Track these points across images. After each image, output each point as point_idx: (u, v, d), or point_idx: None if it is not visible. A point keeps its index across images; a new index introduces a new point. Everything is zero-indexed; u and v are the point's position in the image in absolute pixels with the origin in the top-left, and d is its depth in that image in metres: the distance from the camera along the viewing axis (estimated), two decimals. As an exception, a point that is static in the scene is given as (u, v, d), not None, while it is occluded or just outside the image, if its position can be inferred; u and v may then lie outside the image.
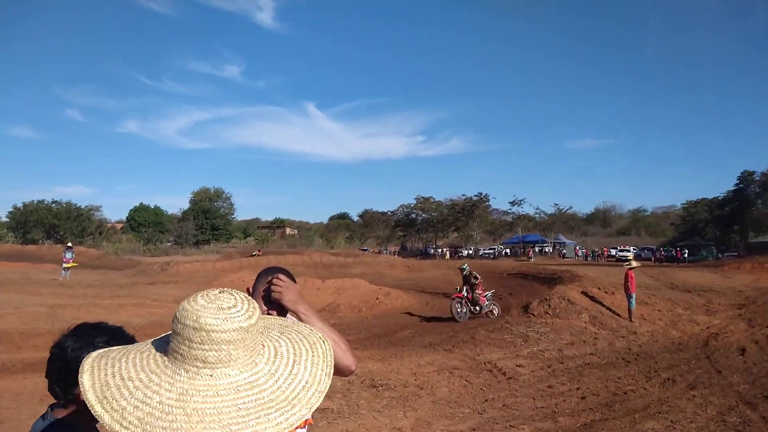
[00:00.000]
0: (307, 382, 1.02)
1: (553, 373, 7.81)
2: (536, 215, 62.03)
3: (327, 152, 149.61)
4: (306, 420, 2.28)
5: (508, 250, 52.94)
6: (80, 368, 0.98)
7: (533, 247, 52.21)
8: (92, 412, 0.90)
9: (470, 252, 55.53)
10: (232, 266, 29.47)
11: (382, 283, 21.01)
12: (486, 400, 6.47)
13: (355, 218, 76.53)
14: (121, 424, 0.87)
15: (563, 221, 63.06)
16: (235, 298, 0.99)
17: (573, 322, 11.41)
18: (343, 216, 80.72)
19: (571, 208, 65.54)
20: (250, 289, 2.36)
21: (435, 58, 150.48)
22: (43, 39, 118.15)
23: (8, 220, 53.58)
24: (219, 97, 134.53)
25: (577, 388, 7.01)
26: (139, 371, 0.96)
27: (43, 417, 1.40)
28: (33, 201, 53.74)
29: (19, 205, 53.51)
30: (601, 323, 11.61)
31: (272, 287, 1.88)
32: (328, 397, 1.03)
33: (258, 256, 40.90)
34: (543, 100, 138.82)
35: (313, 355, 1.09)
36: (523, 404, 6.34)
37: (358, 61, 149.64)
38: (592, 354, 9.13)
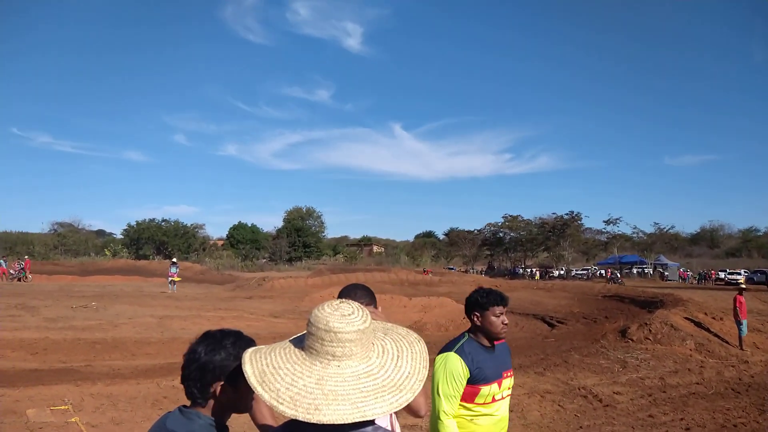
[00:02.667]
0: (409, 373, 1.26)
1: (654, 402, 7.33)
2: (634, 235, 58.41)
3: (412, 171, 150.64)
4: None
5: (602, 272, 50.18)
6: (242, 360, 1.28)
7: (617, 268, 49.10)
8: (255, 391, 1.20)
9: (561, 272, 53.27)
10: (322, 282, 30.33)
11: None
12: (581, 427, 6.21)
13: (441, 237, 76.23)
14: (277, 401, 1.16)
15: (665, 241, 58.76)
16: (352, 307, 1.28)
17: (676, 349, 10.64)
18: (429, 234, 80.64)
19: (673, 227, 60.97)
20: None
21: (522, 74, 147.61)
22: (153, 70, 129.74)
23: (123, 237, 58.78)
24: (310, 120, 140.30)
25: (681, 419, 6.53)
26: (286, 362, 1.25)
27: (182, 413, 1.54)
28: (145, 219, 58.69)
29: (133, 223, 58.66)
30: (708, 351, 10.73)
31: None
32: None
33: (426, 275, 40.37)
34: (640, 115, 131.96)
35: (412, 352, 1.33)
36: (621, 433, 6.02)
37: (443, 80, 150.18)
38: (698, 383, 8.46)
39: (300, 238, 61.78)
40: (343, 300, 1.32)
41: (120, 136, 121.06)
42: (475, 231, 65.47)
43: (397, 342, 1.36)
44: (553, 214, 57.88)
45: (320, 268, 43.83)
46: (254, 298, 22.91)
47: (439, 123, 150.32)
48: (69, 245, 54.22)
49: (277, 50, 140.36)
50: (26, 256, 37.26)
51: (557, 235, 56.12)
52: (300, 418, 1.14)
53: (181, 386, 5.12)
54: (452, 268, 54.23)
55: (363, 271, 37.41)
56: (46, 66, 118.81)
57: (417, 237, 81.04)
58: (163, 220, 58.81)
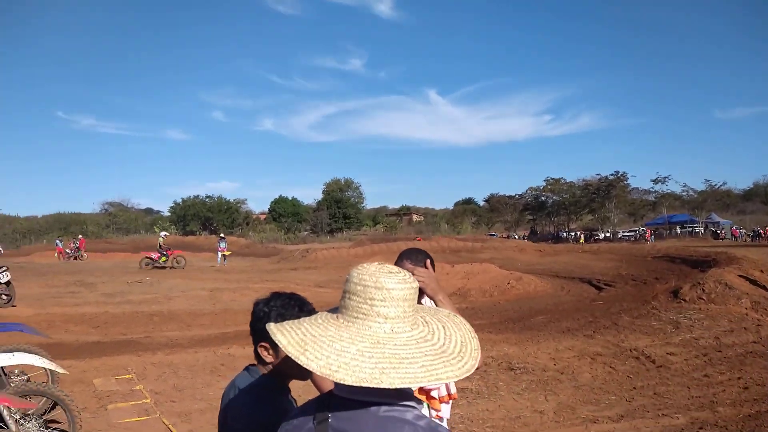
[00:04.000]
0: (462, 342, 1.13)
1: (709, 362, 7.15)
2: (683, 193, 56.21)
3: (449, 137, 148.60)
4: (451, 395, 2.38)
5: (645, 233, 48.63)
6: (270, 331, 1.11)
7: (666, 228, 47.44)
8: (298, 362, 1.03)
9: (607, 235, 52.04)
10: (364, 252, 30.63)
11: (513, 268, 20.55)
12: (634, 388, 6.12)
13: (481, 203, 75.44)
14: (330, 369, 1.00)
15: (716, 199, 56.28)
16: (395, 267, 1.15)
17: (731, 308, 10.29)
18: (469, 201, 79.89)
19: (725, 184, 58.07)
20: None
21: (559, 30, 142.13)
22: (189, 48, 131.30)
23: (170, 214, 60.68)
24: (344, 90, 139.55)
25: (739, 378, 6.35)
26: (326, 330, 1.09)
27: (248, 371, 1.63)
28: (190, 196, 60.28)
29: (179, 200, 60.43)
30: (765, 309, 10.33)
31: (416, 275, 1.98)
32: (466, 378, 1.14)
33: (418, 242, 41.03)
34: (686, 66, 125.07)
35: (454, 323, 1.20)
36: (676, 393, 5.90)
37: (477, 42, 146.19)
38: (755, 342, 8.17)
39: (340, 210, 62.31)
40: (381, 262, 1.18)
41: (161, 116, 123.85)
42: (516, 196, 64.43)
43: (433, 315, 1.23)
44: (597, 175, 56.18)
45: (361, 239, 44.22)
46: (299, 269, 23.38)
47: (475, 86, 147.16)
48: (120, 224, 56.39)
49: (309, 21, 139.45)
50: (80, 236, 39.00)
51: (602, 196, 54.57)
52: (365, 384, 0.99)
53: (237, 354, 5.35)
54: (493, 234, 53.69)
55: (404, 240, 37.53)
56: (86, 50, 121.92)
57: (456, 204, 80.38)
58: (207, 197, 60.36)
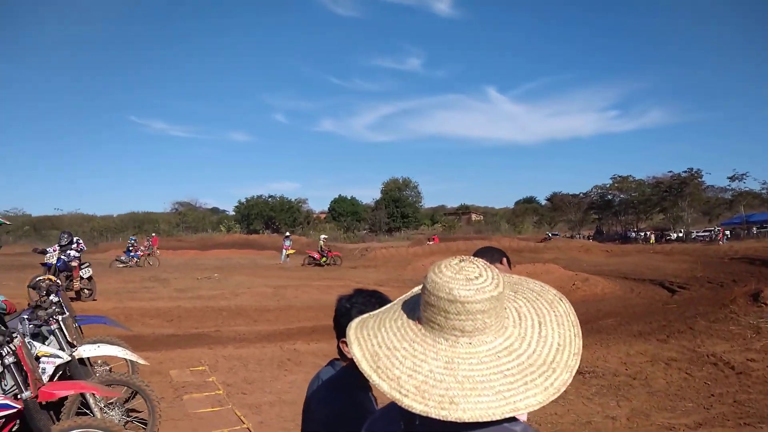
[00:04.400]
0: (559, 345, 0.99)
1: (797, 371, 6.65)
2: (763, 191, 52.52)
3: (509, 135, 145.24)
4: None
5: (728, 232, 45.71)
6: (348, 340, 1.06)
7: (744, 228, 44.37)
8: (370, 381, 0.97)
9: (680, 235, 49.45)
10: (423, 251, 30.61)
11: (578, 268, 19.90)
12: (712, 395, 5.78)
13: (543, 202, 73.57)
14: (400, 392, 0.93)
15: (799, 197, 52.29)
16: (478, 267, 1.00)
17: (821, 314, 9.54)
18: (530, 200, 78.03)
19: (812, 180, 53.97)
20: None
21: (625, 23, 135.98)
22: (251, 52, 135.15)
23: (235, 213, 62.90)
24: (402, 90, 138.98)
25: (833, 390, 5.87)
26: (401, 340, 1.01)
27: (332, 365, 1.67)
28: (253, 196, 62.24)
29: (243, 200, 62.51)
30: None
31: None
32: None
33: (432, 244, 41.22)
34: (762, 55, 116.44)
35: (555, 315, 1.05)
36: (758, 402, 5.52)
37: (537, 38, 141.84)
38: None
39: (398, 209, 62.49)
40: (463, 258, 1.04)
41: (225, 119, 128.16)
42: (581, 194, 62.31)
43: (533, 302, 1.08)
44: (669, 172, 53.50)
45: (419, 238, 44.18)
46: (359, 267, 23.64)
47: (535, 83, 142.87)
48: (189, 222, 59.01)
49: (367, 22, 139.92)
50: (153, 234, 41.11)
51: (674, 194, 51.88)
52: (432, 415, 0.90)
53: (302, 349, 5.45)
54: (556, 234, 52.21)
55: (463, 239, 37.21)
56: (157, 58, 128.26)
57: (517, 203, 78.65)
58: (270, 196, 62.10)
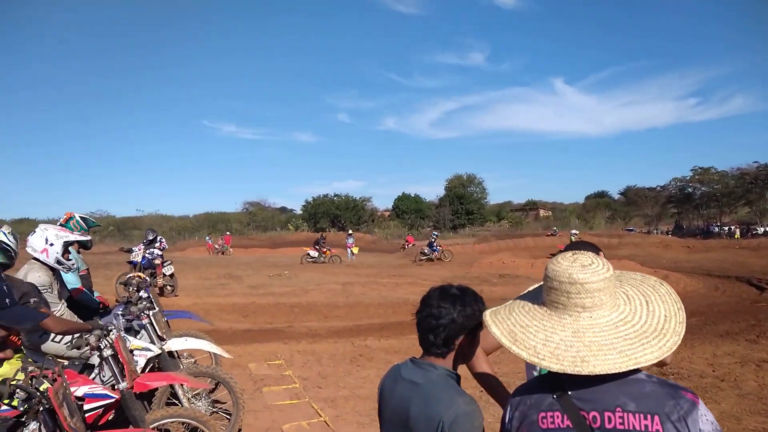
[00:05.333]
0: (666, 316, 1.22)
1: None
2: None
3: (579, 128, 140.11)
4: None
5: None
6: (485, 323, 1.34)
7: None
8: (510, 350, 1.23)
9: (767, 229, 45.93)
10: (490, 249, 30.14)
11: (657, 265, 18.93)
12: (812, 401, 5.32)
13: (616, 196, 70.47)
14: (537, 357, 1.19)
15: None
16: (590, 257, 1.24)
17: None
18: (602, 194, 74.89)
19: None
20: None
21: (704, 4, 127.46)
22: (314, 54, 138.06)
23: (302, 212, 64.46)
24: (465, 85, 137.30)
25: None
26: (532, 319, 1.27)
27: (414, 363, 1.66)
28: (320, 195, 63.56)
29: (309, 199, 63.95)
30: None
31: None
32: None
33: (406, 247, 41.04)
34: None
35: (659, 295, 1.28)
36: None
37: (607, 26, 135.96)
38: None
39: (462, 206, 61.77)
40: (576, 252, 1.27)
41: (291, 120, 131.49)
42: (658, 188, 59.11)
43: (637, 287, 1.30)
44: (755, 162, 49.74)
45: (485, 235, 43.51)
46: (424, 265, 23.57)
47: (606, 73, 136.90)
48: (258, 221, 61.06)
49: (429, 18, 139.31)
50: (227, 233, 42.89)
51: (760, 186, 48.22)
52: (567, 371, 1.15)
53: (373, 345, 5.46)
54: (632, 230, 49.81)
55: (531, 235, 36.32)
56: (225, 64, 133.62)
57: (588, 198, 75.69)
58: (335, 195, 63.15)
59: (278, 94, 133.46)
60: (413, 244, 37.59)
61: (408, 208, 64.09)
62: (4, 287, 1.13)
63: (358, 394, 5.82)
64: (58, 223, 5.24)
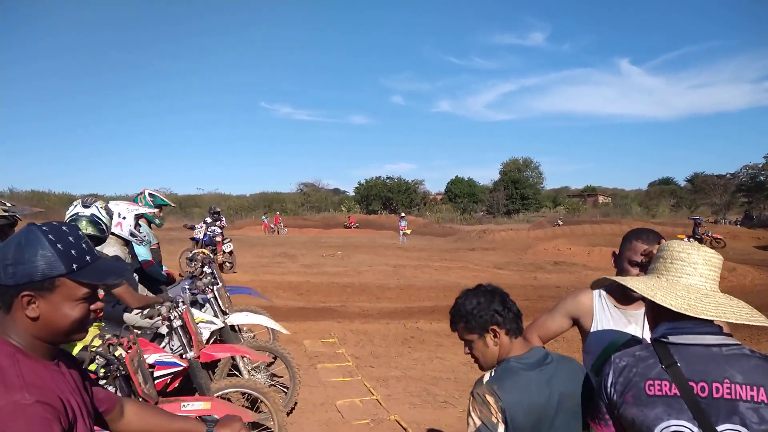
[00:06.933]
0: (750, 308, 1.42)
1: None
2: None
3: (644, 111, 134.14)
4: None
5: None
6: (624, 282, 1.55)
7: None
8: (654, 300, 1.40)
9: None
10: (545, 235, 29.49)
11: (724, 257, 17.93)
12: None
13: (682, 183, 67.10)
14: (682, 308, 1.36)
15: None
16: (692, 242, 1.52)
17: None
18: (667, 181, 71.50)
19: None
20: (616, 252, 2.35)
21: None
22: (370, 35, 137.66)
23: (355, 194, 64.99)
24: (524, 66, 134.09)
25: None
26: (659, 282, 1.46)
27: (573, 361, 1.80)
28: (372, 177, 63.78)
29: (362, 181, 64.33)
30: None
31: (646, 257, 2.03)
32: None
33: (351, 227, 41.06)
34: None
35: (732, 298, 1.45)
36: None
37: (678, 4, 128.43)
38: None
39: (517, 190, 60.50)
40: (680, 238, 1.58)
41: (346, 102, 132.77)
42: (728, 175, 55.75)
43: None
44: (838, 149, 46.11)
45: (540, 221, 42.54)
46: (476, 249, 23.37)
47: (676, 53, 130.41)
48: (312, 202, 62.07)
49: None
50: (276, 212, 43.99)
51: (841, 175, 44.76)
52: (720, 318, 1.34)
53: (424, 328, 5.51)
54: (698, 219, 47.43)
55: (589, 222, 35.23)
56: (283, 46, 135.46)
57: (651, 185, 72.32)
58: (388, 178, 63.22)
59: (334, 76, 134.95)
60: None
61: (461, 192, 63.45)
62: (83, 244, 1.21)
63: (410, 375, 5.91)
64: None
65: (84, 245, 1.24)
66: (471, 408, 1.64)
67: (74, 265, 1.19)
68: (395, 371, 6.05)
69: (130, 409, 1.55)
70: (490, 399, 1.59)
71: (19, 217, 2.59)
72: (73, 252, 1.20)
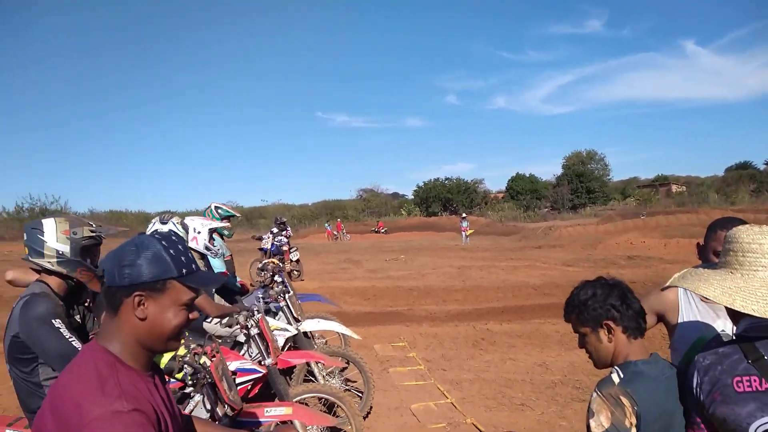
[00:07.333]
0: None
1: None
2: None
3: (714, 93, 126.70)
4: None
5: None
6: (695, 289, 1.46)
7: None
8: (733, 308, 1.34)
9: None
10: (615, 229, 28.34)
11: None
12: None
13: (761, 166, 62.63)
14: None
15: None
16: (763, 227, 1.40)
17: None
18: (745, 165, 66.86)
19: None
20: (700, 243, 2.23)
21: None
22: (422, 38, 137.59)
23: (414, 197, 64.96)
24: (581, 56, 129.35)
25: None
26: (734, 283, 1.38)
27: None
28: (431, 179, 63.54)
29: (421, 183, 64.20)
30: None
31: None
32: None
33: (380, 232, 40.33)
34: None
35: None
36: None
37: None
38: None
39: (582, 184, 58.36)
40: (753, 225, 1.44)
41: (400, 106, 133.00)
42: (813, 154, 51.78)
43: None
44: None
45: (609, 214, 40.90)
46: (543, 247, 22.77)
47: (745, 30, 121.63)
48: (372, 207, 62.61)
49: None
50: (338, 219, 44.72)
51: None
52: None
53: (495, 329, 5.41)
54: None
55: (663, 213, 33.58)
56: (335, 54, 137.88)
57: (728, 170, 67.93)
58: (446, 179, 62.72)
59: (386, 81, 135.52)
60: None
61: (523, 189, 62.06)
62: (189, 254, 1.30)
63: (483, 377, 5.81)
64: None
65: (190, 254, 1.34)
66: (597, 408, 1.55)
67: (183, 270, 1.29)
68: (468, 374, 5.97)
69: (199, 427, 1.63)
70: (625, 401, 1.51)
71: (104, 236, 2.75)
72: (182, 259, 1.30)
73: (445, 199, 60.38)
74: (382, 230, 44.15)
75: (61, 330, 2.22)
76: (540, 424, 4.55)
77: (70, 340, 2.22)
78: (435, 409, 4.92)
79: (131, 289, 1.23)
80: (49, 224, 2.41)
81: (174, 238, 1.34)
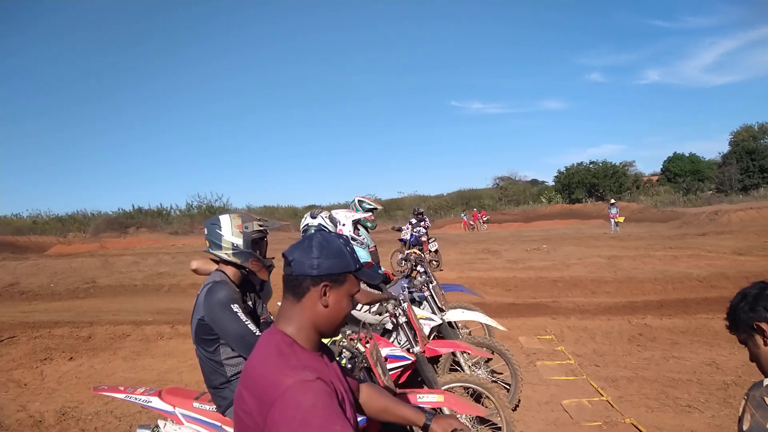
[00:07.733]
0: None
1: None
2: None
3: None
4: None
5: None
6: None
7: None
8: None
9: None
10: (799, 212, 24.53)
11: None
12: None
13: None
14: None
15: None
16: None
17: None
18: None
19: None
20: None
21: None
22: (559, 13, 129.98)
23: (555, 183, 61.87)
24: (750, 16, 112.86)
25: None
26: None
27: None
28: (573, 164, 59.97)
29: (562, 169, 60.90)
30: None
31: None
32: None
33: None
34: None
35: None
36: None
37: None
38: None
39: (754, 162, 51.05)
40: None
41: (537, 89, 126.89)
42: None
43: None
44: None
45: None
46: (708, 234, 20.39)
47: None
48: (510, 196, 60.84)
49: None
50: (474, 209, 44.13)
51: None
52: None
53: (653, 324, 4.99)
54: None
55: None
56: (467, 40, 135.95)
57: None
58: (591, 163, 58.77)
59: (522, 63, 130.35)
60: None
61: (682, 170, 56.21)
62: (355, 252, 1.42)
63: (643, 376, 5.38)
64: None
65: (356, 253, 1.49)
66: (742, 410, 1.48)
67: (357, 265, 1.44)
68: (625, 371, 5.57)
69: (365, 389, 1.79)
70: None
71: (269, 230, 3.00)
72: (355, 255, 1.46)
73: (590, 185, 56.77)
74: (484, 219, 40.34)
75: (239, 314, 2.49)
76: (711, 428, 4.10)
77: (246, 323, 2.48)
78: (589, 407, 4.66)
79: (319, 280, 1.37)
80: (225, 220, 2.72)
81: (346, 237, 1.49)
